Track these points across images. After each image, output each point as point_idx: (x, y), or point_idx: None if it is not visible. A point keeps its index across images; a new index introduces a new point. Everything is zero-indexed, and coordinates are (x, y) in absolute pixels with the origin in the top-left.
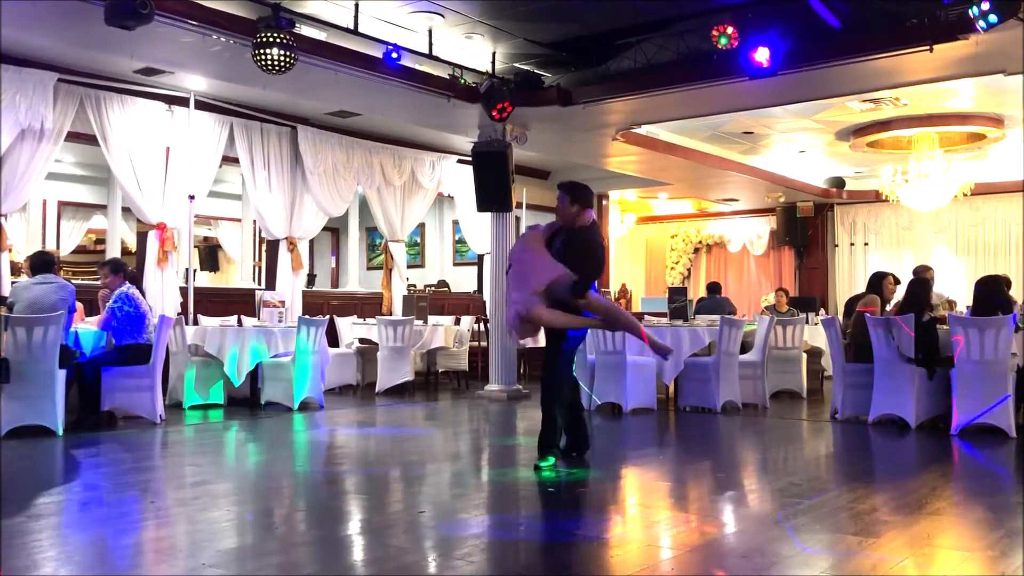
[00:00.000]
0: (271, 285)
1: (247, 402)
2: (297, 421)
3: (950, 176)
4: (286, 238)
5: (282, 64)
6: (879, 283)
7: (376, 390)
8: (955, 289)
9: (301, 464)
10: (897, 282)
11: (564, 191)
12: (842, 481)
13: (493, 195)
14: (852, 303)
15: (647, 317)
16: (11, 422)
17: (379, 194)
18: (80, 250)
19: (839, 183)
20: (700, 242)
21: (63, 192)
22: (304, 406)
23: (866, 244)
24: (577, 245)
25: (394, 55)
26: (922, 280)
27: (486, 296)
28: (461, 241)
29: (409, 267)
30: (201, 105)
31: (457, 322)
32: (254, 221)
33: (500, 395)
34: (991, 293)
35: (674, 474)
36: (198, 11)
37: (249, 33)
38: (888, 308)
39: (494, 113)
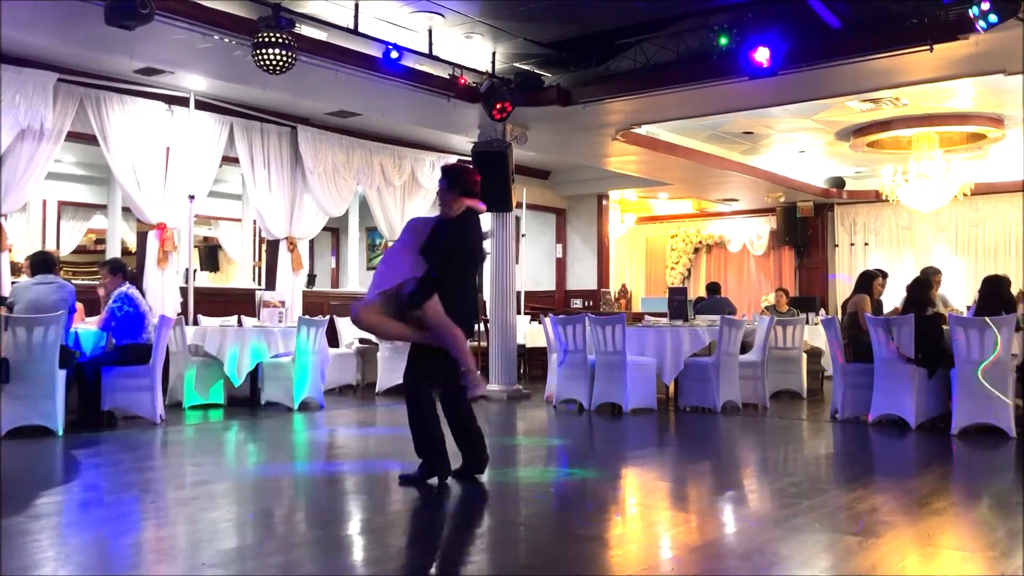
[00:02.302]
0: (271, 285)
1: (247, 402)
2: (297, 421)
3: (950, 176)
4: (286, 238)
5: (282, 64)
6: (869, 282)
7: (376, 390)
8: (955, 289)
9: (301, 464)
10: (884, 275)
11: (444, 175)
12: (842, 481)
13: (493, 195)
14: (847, 304)
15: (647, 317)
16: (11, 422)
17: (379, 194)
18: (80, 250)
19: (839, 183)
20: (700, 242)
21: (63, 192)
22: (304, 406)
23: (866, 244)
24: (437, 239)
25: (393, 55)
26: (921, 280)
27: (486, 296)
28: None
29: None
30: (201, 105)
31: None
32: (254, 221)
33: (500, 395)
34: (998, 292)
35: (674, 474)
36: (198, 11)
37: (249, 33)
38: (886, 310)
39: (494, 113)
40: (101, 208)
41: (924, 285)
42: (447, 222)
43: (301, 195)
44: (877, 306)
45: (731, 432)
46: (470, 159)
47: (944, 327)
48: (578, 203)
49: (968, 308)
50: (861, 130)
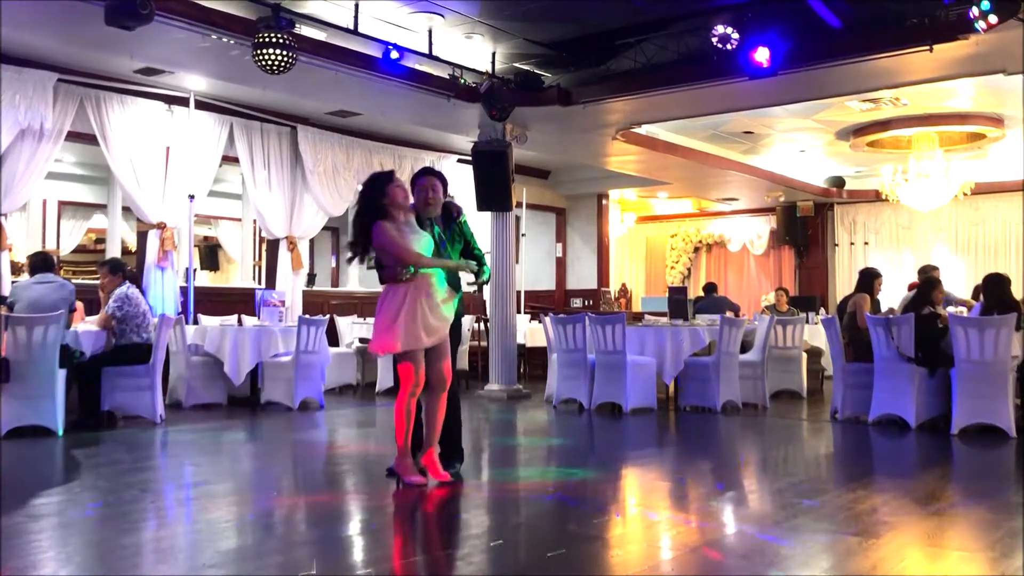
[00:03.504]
0: (271, 285)
1: (247, 402)
2: (297, 421)
3: (950, 176)
4: (286, 238)
5: (282, 64)
6: (871, 282)
7: (376, 390)
8: (954, 289)
9: (301, 464)
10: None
11: (438, 178)
12: (842, 481)
13: (493, 195)
14: (845, 303)
15: (647, 317)
16: (11, 422)
17: None
18: (80, 250)
19: (839, 183)
20: (700, 241)
21: (63, 192)
22: (304, 406)
23: (866, 244)
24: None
25: (394, 55)
26: (931, 279)
27: (486, 295)
28: None
29: None
30: (201, 105)
31: None
32: (254, 221)
33: (500, 395)
34: (1001, 290)
35: (674, 474)
36: (198, 11)
37: (249, 33)
38: (889, 308)
39: (494, 113)
40: (101, 208)
41: (931, 284)
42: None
43: (301, 195)
44: (876, 306)
45: (731, 432)
46: (470, 159)
47: (943, 326)
48: (578, 203)
49: (972, 307)
50: (861, 130)
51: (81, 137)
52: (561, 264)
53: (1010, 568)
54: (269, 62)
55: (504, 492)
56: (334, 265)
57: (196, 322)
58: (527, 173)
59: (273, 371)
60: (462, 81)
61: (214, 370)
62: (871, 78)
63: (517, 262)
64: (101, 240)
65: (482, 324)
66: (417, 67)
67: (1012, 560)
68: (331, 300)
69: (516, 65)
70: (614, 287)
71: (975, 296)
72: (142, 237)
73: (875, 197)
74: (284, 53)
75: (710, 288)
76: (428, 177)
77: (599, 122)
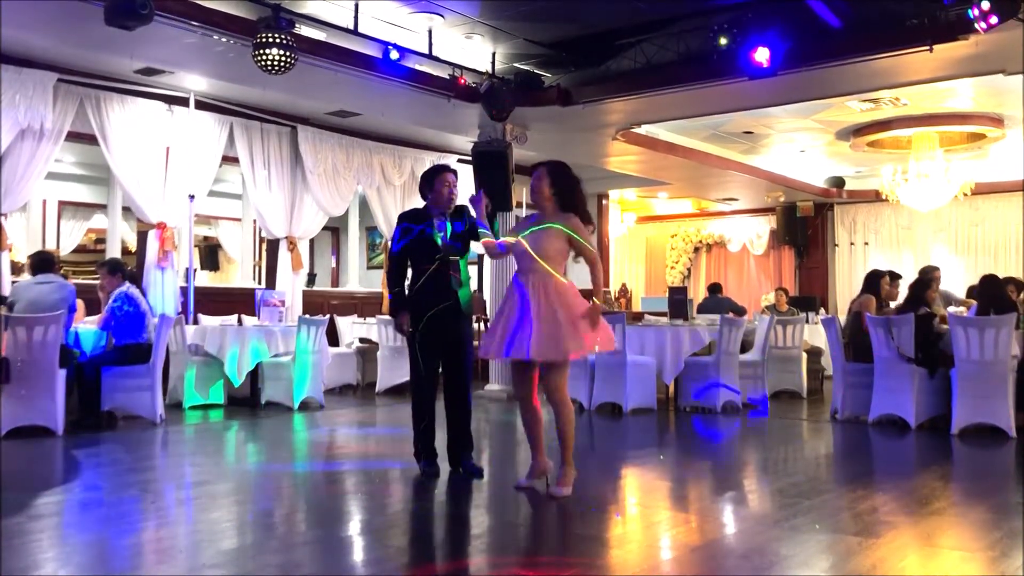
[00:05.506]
0: (271, 285)
1: (247, 402)
2: (297, 421)
3: (950, 176)
4: (286, 238)
5: (282, 64)
6: (876, 282)
7: (376, 390)
8: (955, 289)
9: (301, 464)
10: (896, 277)
11: (455, 175)
12: (842, 481)
13: (493, 195)
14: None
15: (647, 317)
16: (11, 422)
17: (379, 194)
18: (80, 250)
19: (839, 183)
20: (700, 242)
21: (63, 192)
22: (304, 406)
23: (866, 244)
24: None
25: (393, 55)
26: (922, 279)
27: (486, 295)
28: None
29: None
30: (201, 105)
31: None
32: (254, 221)
33: (500, 395)
34: (996, 291)
35: (674, 474)
36: (198, 11)
37: (249, 33)
38: (890, 306)
39: (494, 113)
40: (101, 208)
41: (923, 285)
42: None
43: (301, 195)
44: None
45: (731, 432)
46: (470, 159)
47: (944, 326)
48: None
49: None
50: (861, 130)
51: (81, 137)
52: None
53: (1010, 568)
54: (269, 62)
55: (504, 492)
56: (334, 265)
57: (196, 322)
58: (527, 173)
59: (273, 371)
60: (462, 81)
61: (214, 370)
62: (871, 78)
63: None
64: (101, 240)
65: (482, 324)
66: (417, 67)
67: (1012, 560)
68: (331, 300)
69: (516, 65)
70: (614, 287)
71: (969, 295)
72: (142, 237)
73: (875, 197)
74: (284, 53)
75: (714, 288)
76: (449, 173)
77: (599, 122)
